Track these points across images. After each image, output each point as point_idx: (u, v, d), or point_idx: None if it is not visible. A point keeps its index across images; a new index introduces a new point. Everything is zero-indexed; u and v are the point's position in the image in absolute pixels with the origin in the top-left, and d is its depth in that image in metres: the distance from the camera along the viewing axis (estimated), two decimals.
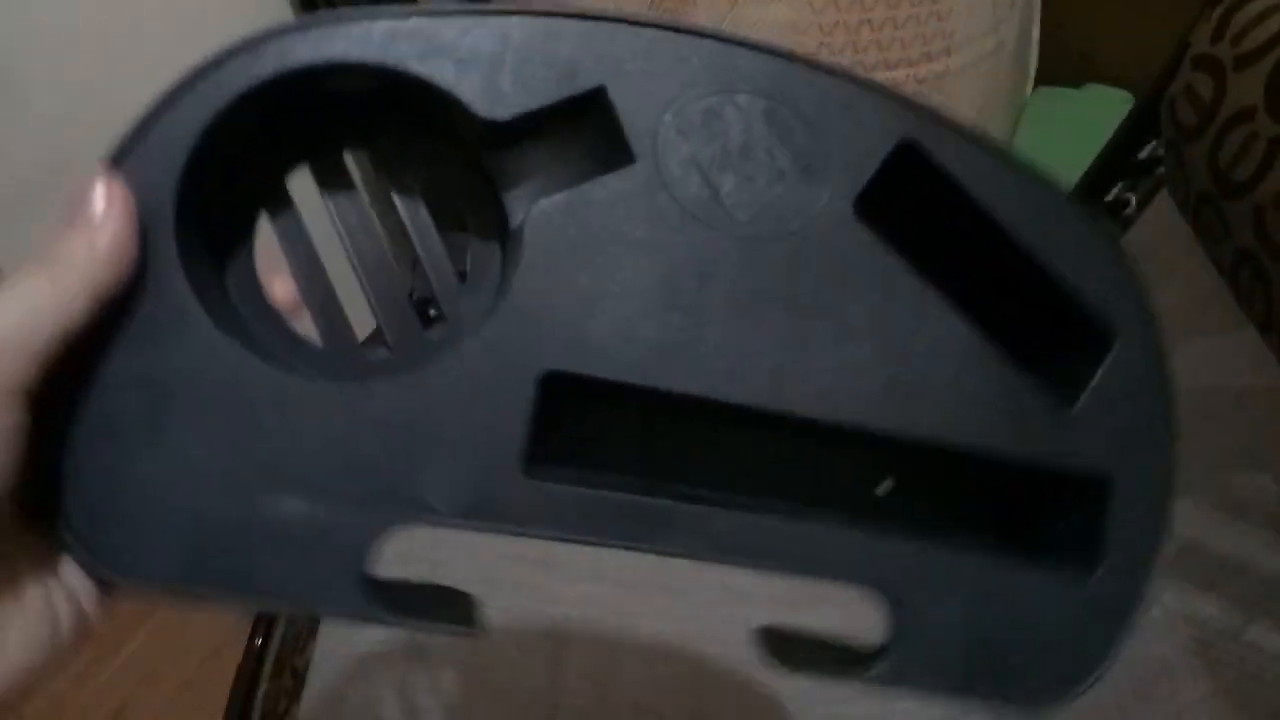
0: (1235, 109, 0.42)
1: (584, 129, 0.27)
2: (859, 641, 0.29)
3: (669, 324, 0.27)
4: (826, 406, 0.27)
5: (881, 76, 0.88)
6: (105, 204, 0.25)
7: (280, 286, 0.30)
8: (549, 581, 0.69)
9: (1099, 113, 1.20)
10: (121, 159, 0.26)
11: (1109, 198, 0.62)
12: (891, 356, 0.27)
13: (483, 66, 0.26)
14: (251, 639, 0.86)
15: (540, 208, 0.26)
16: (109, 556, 0.25)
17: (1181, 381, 0.54)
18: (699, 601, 0.70)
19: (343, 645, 0.72)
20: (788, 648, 0.31)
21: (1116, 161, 0.62)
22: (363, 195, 0.30)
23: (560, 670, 0.65)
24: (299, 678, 0.73)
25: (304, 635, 0.76)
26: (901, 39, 0.84)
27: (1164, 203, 0.57)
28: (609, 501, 0.27)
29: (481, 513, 0.26)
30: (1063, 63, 1.23)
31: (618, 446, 0.31)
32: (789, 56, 0.28)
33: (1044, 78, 1.24)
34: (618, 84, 0.26)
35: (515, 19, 0.26)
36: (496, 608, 0.68)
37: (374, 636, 0.71)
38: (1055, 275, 0.28)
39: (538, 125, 0.27)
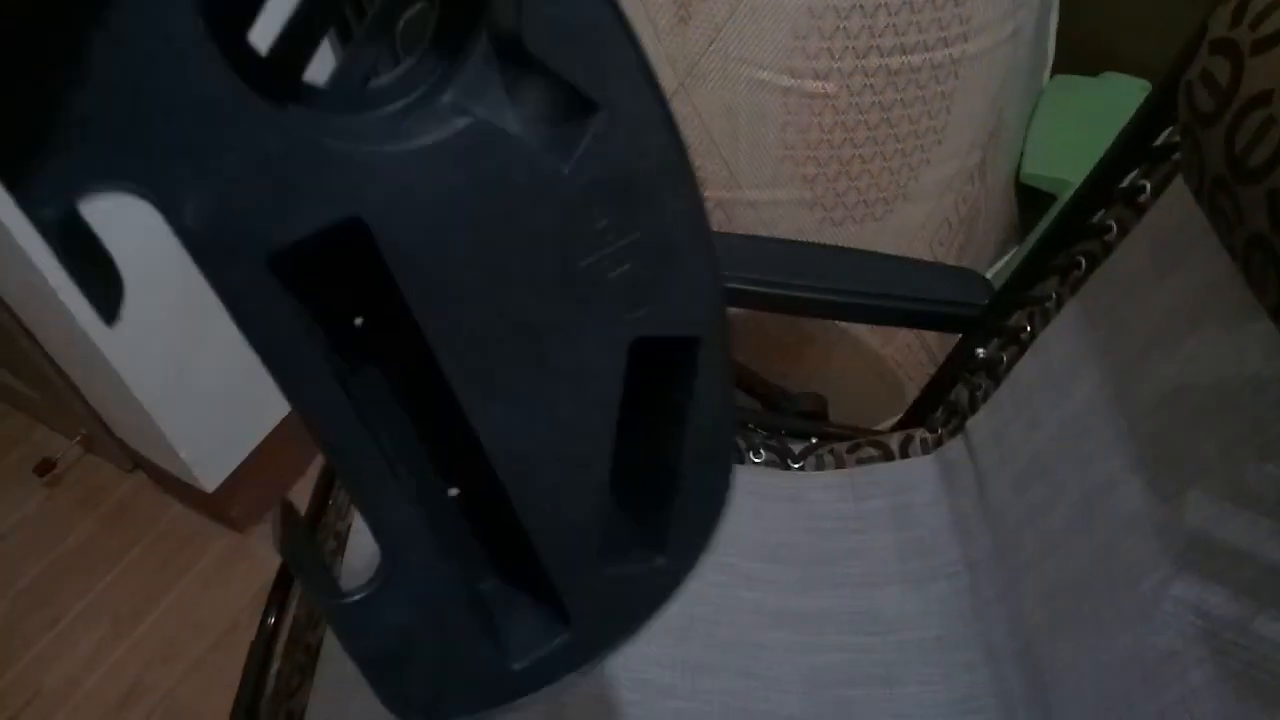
0: (1252, 93, 0.42)
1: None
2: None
3: (473, 275, 0.26)
4: (492, 424, 0.28)
5: (898, 61, 0.87)
6: None
7: None
8: None
9: (1116, 101, 1.20)
10: None
11: (1124, 184, 0.62)
12: (557, 445, 0.30)
13: None
14: (265, 617, 0.87)
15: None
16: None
17: (1193, 369, 0.54)
18: (705, 582, 0.71)
19: None
20: (295, 534, 0.32)
21: (1132, 148, 0.61)
22: None
23: None
24: (312, 654, 0.74)
25: (317, 613, 0.77)
26: (918, 23, 0.84)
27: (1178, 190, 0.56)
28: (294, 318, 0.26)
29: (207, 256, 0.24)
30: (1080, 50, 1.22)
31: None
32: None
33: (1061, 65, 1.23)
34: None
35: None
36: None
37: None
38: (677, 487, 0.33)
39: None
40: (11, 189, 0.21)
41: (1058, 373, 0.66)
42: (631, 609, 0.35)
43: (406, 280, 0.26)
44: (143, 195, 0.23)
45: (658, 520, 0.34)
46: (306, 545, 0.30)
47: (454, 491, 0.34)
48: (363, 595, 0.29)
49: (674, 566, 0.35)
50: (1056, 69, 1.23)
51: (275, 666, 0.81)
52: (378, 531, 0.29)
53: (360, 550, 0.78)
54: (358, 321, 0.31)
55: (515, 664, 0.32)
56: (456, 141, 0.25)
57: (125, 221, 0.94)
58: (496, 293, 0.27)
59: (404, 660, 0.30)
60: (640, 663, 0.66)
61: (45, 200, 0.22)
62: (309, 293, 0.26)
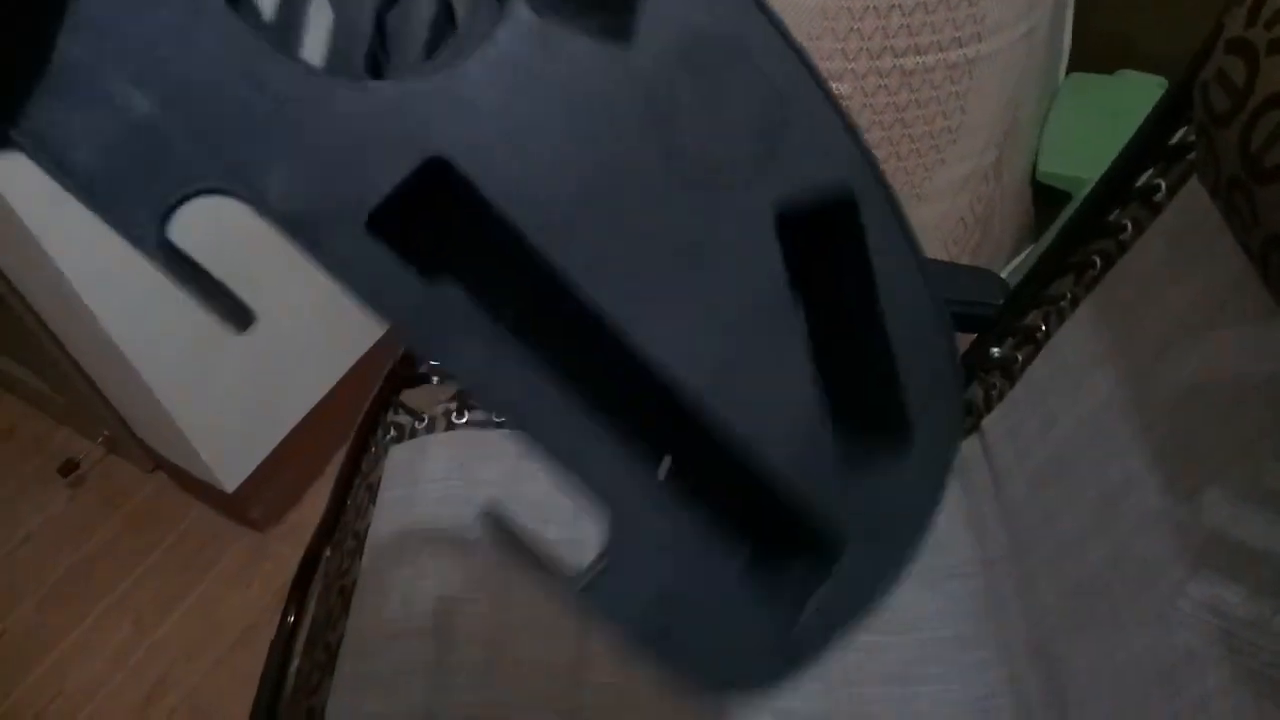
0: (1268, 93, 0.42)
1: None
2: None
3: (577, 193, 0.25)
4: (664, 347, 0.26)
5: (912, 61, 0.87)
6: None
7: None
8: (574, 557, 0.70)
9: (1133, 99, 1.19)
10: None
11: (1139, 184, 0.62)
12: (740, 344, 0.27)
13: None
14: (284, 615, 0.88)
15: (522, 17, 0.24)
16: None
17: (1209, 368, 0.54)
18: None
19: (373, 621, 0.73)
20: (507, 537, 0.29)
21: (1147, 147, 0.61)
22: None
23: (587, 645, 0.66)
24: (331, 653, 0.75)
25: (336, 612, 0.77)
26: (932, 23, 0.84)
27: (1194, 189, 0.56)
28: (416, 288, 0.25)
29: (304, 233, 0.24)
30: (1097, 48, 1.22)
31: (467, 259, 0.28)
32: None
33: (1077, 63, 1.23)
34: None
35: None
36: (522, 584, 0.69)
37: (404, 614, 0.72)
38: (897, 371, 0.28)
39: None
40: (118, 227, 0.22)
41: (1073, 372, 0.66)
42: (891, 534, 0.31)
43: (512, 213, 0.24)
44: (227, 193, 0.23)
45: (887, 420, 0.30)
46: (523, 541, 0.26)
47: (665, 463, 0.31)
48: (604, 566, 0.26)
49: (920, 475, 0.31)
50: (1072, 67, 1.23)
51: (294, 664, 0.82)
52: (593, 489, 0.26)
53: (378, 546, 0.79)
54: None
55: (791, 623, 0.30)
56: (507, 54, 0.24)
57: None
58: (609, 202, 0.25)
59: (676, 630, 0.28)
60: None
61: (148, 228, 0.22)
62: (427, 256, 0.25)
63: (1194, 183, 0.56)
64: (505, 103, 0.24)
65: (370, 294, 0.24)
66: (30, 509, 1.46)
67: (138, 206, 0.22)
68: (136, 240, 0.22)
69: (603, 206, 0.25)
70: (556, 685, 0.65)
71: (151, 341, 1.10)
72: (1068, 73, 1.23)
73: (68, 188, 0.22)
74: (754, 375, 0.27)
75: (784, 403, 0.28)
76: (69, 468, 1.44)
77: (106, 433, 1.41)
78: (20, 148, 0.21)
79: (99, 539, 1.42)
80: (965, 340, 0.80)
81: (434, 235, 0.25)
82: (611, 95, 0.24)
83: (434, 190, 0.24)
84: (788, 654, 0.30)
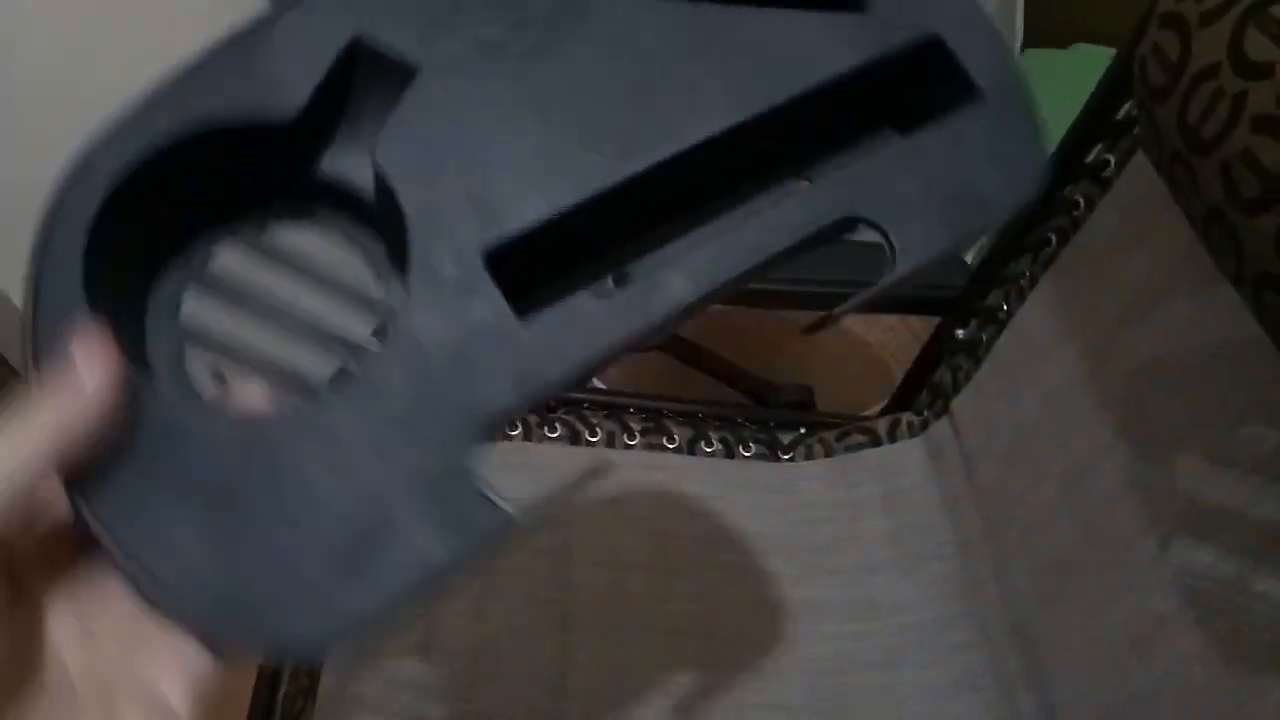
0: (1201, 66, 0.43)
1: (366, 73, 0.31)
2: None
3: (550, 153, 0.30)
4: (717, 119, 0.31)
5: None
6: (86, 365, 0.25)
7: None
8: (557, 567, 0.70)
9: (1088, 73, 1.20)
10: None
11: (1089, 159, 0.62)
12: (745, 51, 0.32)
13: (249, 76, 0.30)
14: None
15: (386, 135, 0.30)
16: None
17: (1165, 338, 0.55)
18: (699, 580, 0.71)
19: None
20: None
21: (1095, 122, 0.62)
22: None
23: (570, 654, 0.66)
24: (314, 676, 0.74)
25: None
26: None
27: (1141, 163, 0.57)
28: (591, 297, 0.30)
29: (529, 391, 0.29)
30: (1050, 23, 1.22)
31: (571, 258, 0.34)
32: None
33: (1031, 40, 1.23)
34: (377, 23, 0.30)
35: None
36: (503, 596, 0.69)
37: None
38: None
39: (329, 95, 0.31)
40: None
41: (1036, 349, 0.67)
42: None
43: None
44: None
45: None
46: None
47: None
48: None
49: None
50: (1027, 44, 1.23)
51: (283, 690, 0.82)
52: None
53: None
54: None
55: None
56: None
57: None
58: None
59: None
60: (638, 663, 0.67)
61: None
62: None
63: (1141, 156, 0.57)
64: None
65: None
66: None
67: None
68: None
69: None
70: (540, 694, 0.65)
71: None
72: (1022, 50, 1.23)
73: None
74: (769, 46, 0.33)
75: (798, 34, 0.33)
76: None
77: None
78: None
79: None
80: (934, 322, 0.80)
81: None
82: None
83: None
84: None
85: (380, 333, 0.33)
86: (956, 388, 0.76)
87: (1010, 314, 0.70)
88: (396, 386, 0.28)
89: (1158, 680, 0.53)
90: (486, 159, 0.30)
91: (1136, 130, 0.58)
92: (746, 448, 0.81)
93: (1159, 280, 0.56)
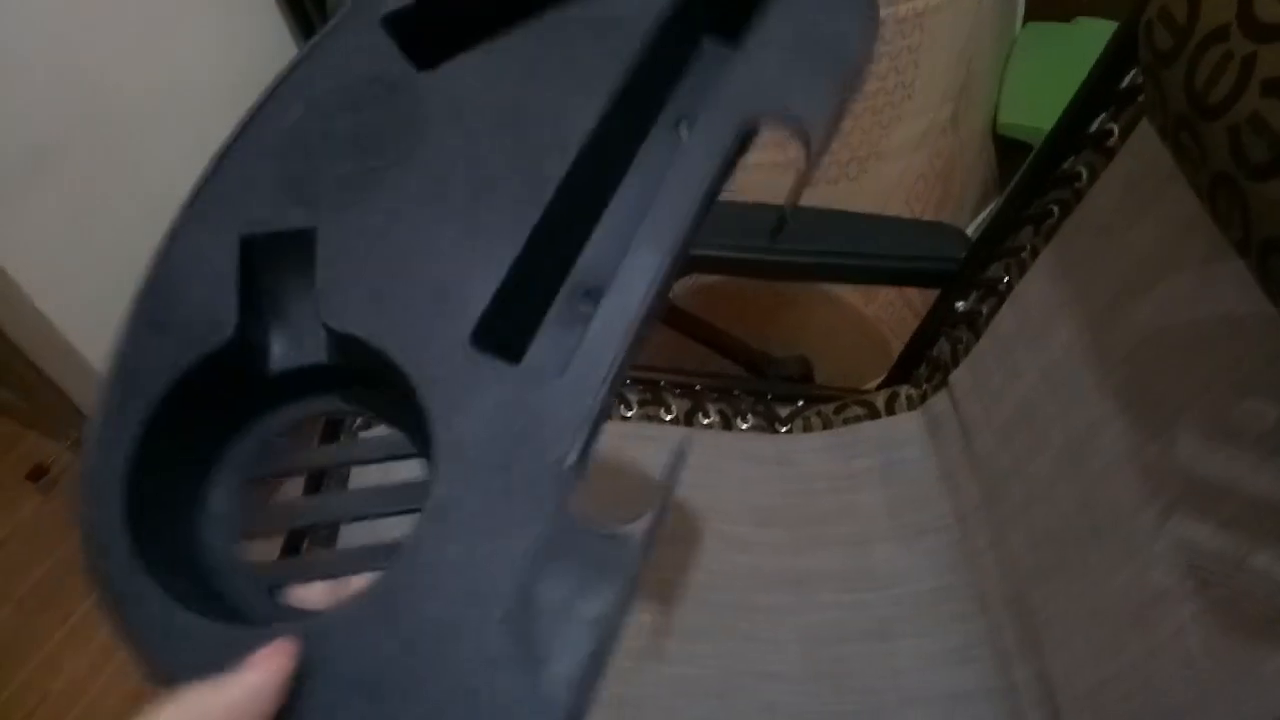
0: (1209, 29, 0.42)
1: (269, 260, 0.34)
2: None
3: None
4: (584, 116, 0.34)
5: None
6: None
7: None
8: None
9: (1090, 46, 1.19)
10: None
11: (1092, 129, 0.62)
12: None
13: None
14: None
15: (322, 298, 0.33)
16: None
17: (1166, 310, 0.54)
18: (698, 548, 0.71)
19: None
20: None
21: (1098, 92, 0.61)
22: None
23: None
24: None
25: None
26: None
27: (1145, 132, 0.56)
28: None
29: None
30: None
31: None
32: None
33: (1033, 13, 1.22)
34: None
35: None
36: None
37: None
38: None
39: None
40: None
41: (1036, 322, 0.67)
42: None
43: None
44: None
45: None
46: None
47: None
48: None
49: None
50: (1028, 17, 1.22)
51: None
52: None
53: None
54: None
55: None
56: None
57: (96, 228, 0.92)
58: None
59: None
60: (634, 631, 0.67)
61: None
62: None
63: (1145, 125, 0.56)
64: None
65: None
66: (1, 516, 1.44)
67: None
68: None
69: None
70: None
71: (110, 342, 1.08)
72: (1024, 23, 1.22)
73: None
74: None
75: None
76: (38, 472, 1.42)
77: (75, 435, 1.39)
78: None
79: (74, 542, 1.40)
80: (932, 296, 0.80)
81: None
82: None
83: None
84: None
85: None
86: (956, 360, 0.76)
87: (1011, 286, 0.69)
88: (464, 495, 0.28)
89: (1154, 650, 0.53)
90: (418, 264, 0.32)
91: (1141, 98, 0.58)
92: (744, 419, 0.81)
93: (1162, 252, 0.55)
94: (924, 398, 0.79)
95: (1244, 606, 0.48)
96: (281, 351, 0.34)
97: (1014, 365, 0.68)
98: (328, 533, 0.41)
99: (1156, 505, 0.54)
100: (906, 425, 0.79)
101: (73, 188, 0.97)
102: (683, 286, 0.99)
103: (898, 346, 0.87)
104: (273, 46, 1.14)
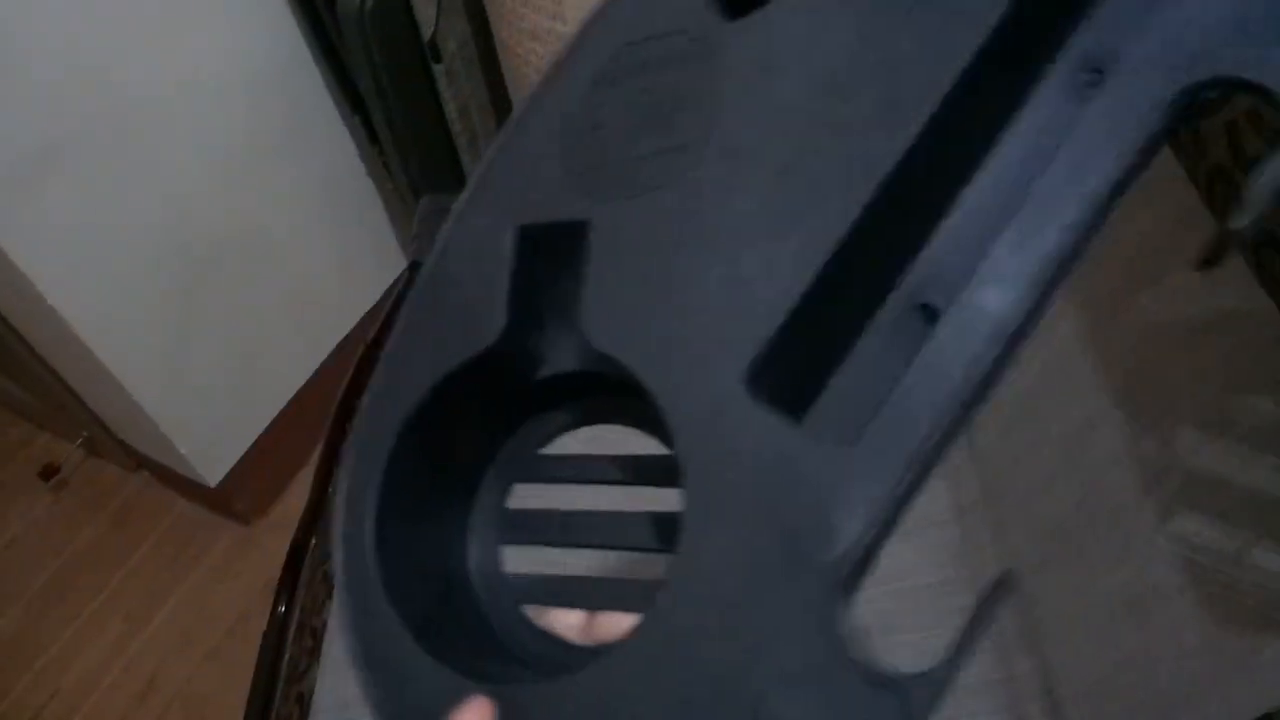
0: None
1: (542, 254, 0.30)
2: None
3: None
4: (951, 57, 0.24)
5: None
6: None
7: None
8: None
9: None
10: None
11: None
12: None
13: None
14: (275, 606, 0.88)
15: (588, 314, 0.28)
16: None
17: (1164, 305, 0.55)
18: None
19: None
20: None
21: None
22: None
23: None
24: (317, 638, 0.75)
25: (321, 597, 0.78)
26: None
27: None
28: None
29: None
30: None
31: None
32: None
33: None
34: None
35: None
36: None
37: None
38: None
39: None
40: None
41: None
42: None
43: None
44: None
45: None
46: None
47: None
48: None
49: None
50: None
51: (287, 655, 0.83)
52: None
53: None
54: None
55: None
56: None
57: (108, 224, 0.94)
58: None
59: None
60: None
61: None
62: None
63: None
64: None
65: None
66: (13, 514, 1.46)
67: None
68: None
69: None
70: None
71: (122, 339, 1.09)
72: None
73: None
74: None
75: None
76: (50, 471, 1.43)
77: (85, 434, 1.40)
78: None
79: (84, 539, 1.42)
80: None
81: None
82: None
83: None
84: None
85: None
86: None
87: None
88: (716, 566, 0.23)
89: (1151, 643, 0.53)
90: (694, 277, 0.25)
91: None
92: None
93: (1158, 248, 0.56)
94: None
95: (1240, 598, 0.49)
96: (551, 356, 0.30)
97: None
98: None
99: (1155, 498, 0.55)
100: None
101: (85, 183, 0.98)
102: None
103: None
104: (283, 45, 1.16)
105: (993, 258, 0.22)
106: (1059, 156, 0.23)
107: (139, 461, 1.44)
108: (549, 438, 0.32)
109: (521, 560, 0.32)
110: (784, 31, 0.26)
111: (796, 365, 0.25)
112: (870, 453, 0.22)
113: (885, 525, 0.22)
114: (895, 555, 0.73)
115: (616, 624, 0.28)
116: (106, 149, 0.99)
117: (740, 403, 0.24)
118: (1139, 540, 0.55)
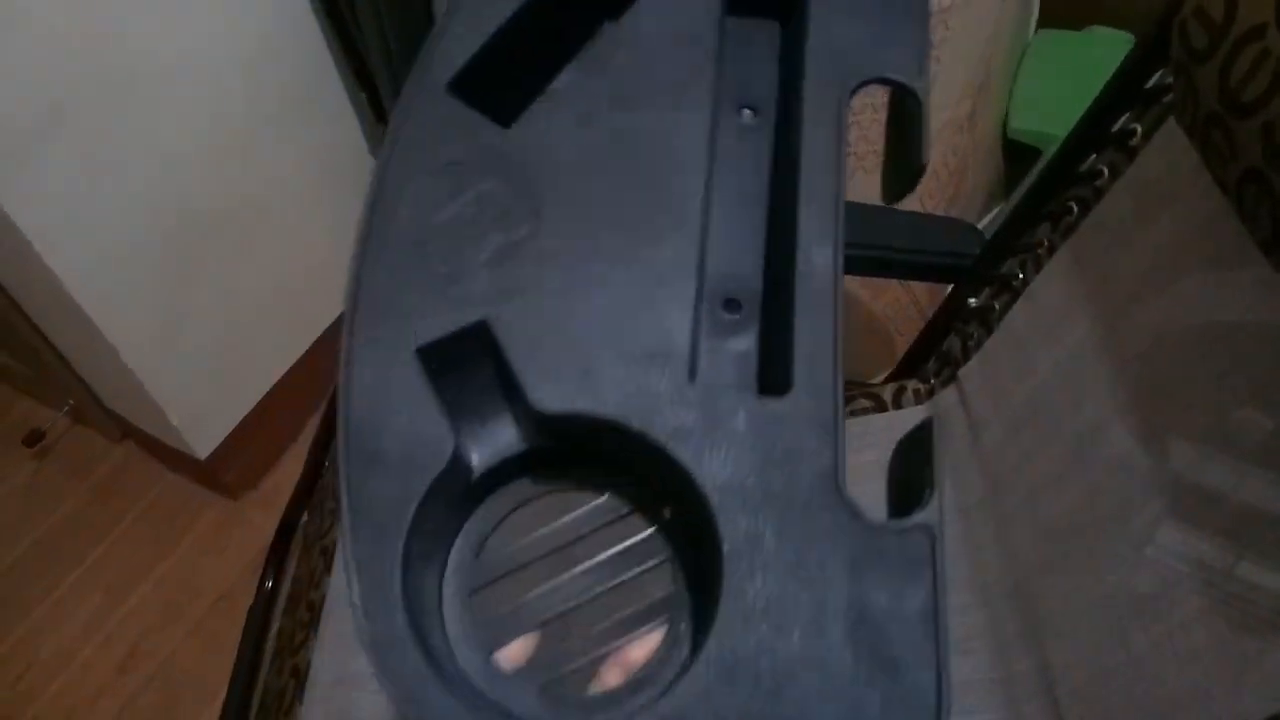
0: (1246, 27, 0.42)
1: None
2: None
3: None
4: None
5: None
6: None
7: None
8: None
9: (1102, 55, 1.20)
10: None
11: (1115, 128, 0.62)
12: None
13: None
14: (262, 581, 0.88)
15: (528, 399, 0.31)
16: None
17: (1180, 312, 0.55)
18: None
19: None
20: None
21: (1124, 92, 0.62)
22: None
23: None
24: (315, 612, 0.74)
25: (319, 571, 0.77)
26: None
27: (1169, 132, 0.57)
28: None
29: None
30: (1066, 5, 1.22)
31: None
32: None
33: (1047, 20, 1.23)
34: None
35: None
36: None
37: None
38: None
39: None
40: None
41: (1049, 319, 0.67)
42: None
43: None
44: None
45: None
46: None
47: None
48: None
49: None
50: (1042, 24, 1.23)
51: (275, 628, 0.82)
52: None
53: None
54: None
55: None
56: None
57: (108, 188, 0.93)
58: None
59: None
60: None
61: None
62: None
63: (1170, 125, 0.57)
64: None
65: None
66: None
67: None
68: None
69: None
70: None
71: (118, 305, 1.07)
72: (1037, 29, 1.23)
73: None
74: None
75: None
76: (34, 438, 1.41)
77: (72, 402, 1.39)
78: None
79: (67, 509, 1.40)
80: (939, 295, 0.81)
81: None
82: None
83: None
84: None
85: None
86: (966, 355, 0.76)
87: (1026, 282, 0.70)
88: (756, 530, 0.28)
89: (1156, 642, 0.54)
90: (608, 322, 0.31)
91: (1168, 99, 0.58)
92: None
93: (1175, 255, 0.56)
94: (932, 392, 0.80)
95: (1246, 603, 0.49)
96: (481, 451, 0.32)
97: (1026, 361, 0.69)
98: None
99: (1157, 505, 0.55)
100: (913, 419, 0.79)
101: (87, 145, 0.97)
102: None
103: (902, 345, 0.88)
104: (289, 16, 1.14)
105: (806, 246, 0.31)
106: (802, 168, 0.33)
107: (125, 431, 1.42)
108: (493, 528, 0.34)
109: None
110: (553, 128, 0.34)
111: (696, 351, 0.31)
112: (809, 391, 0.30)
113: (841, 434, 0.30)
114: None
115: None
116: (108, 114, 0.98)
117: (695, 393, 0.30)
118: (1145, 543, 0.55)
